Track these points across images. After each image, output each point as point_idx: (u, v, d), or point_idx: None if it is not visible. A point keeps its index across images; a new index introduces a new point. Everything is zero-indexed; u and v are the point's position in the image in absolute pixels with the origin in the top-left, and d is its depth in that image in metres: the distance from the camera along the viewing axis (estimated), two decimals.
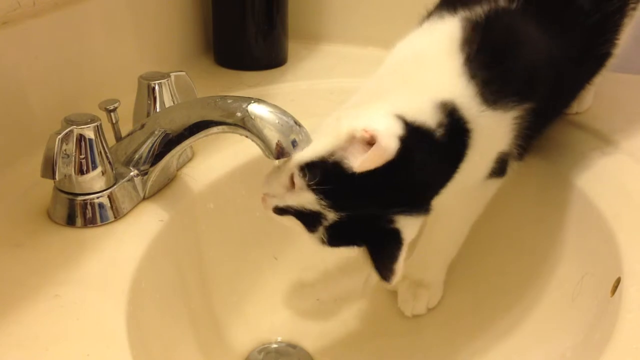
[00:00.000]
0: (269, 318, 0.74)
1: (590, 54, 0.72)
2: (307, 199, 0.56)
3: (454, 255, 0.74)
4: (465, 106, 0.59)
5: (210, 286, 0.70)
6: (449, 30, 0.63)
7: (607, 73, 0.84)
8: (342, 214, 0.55)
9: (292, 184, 0.57)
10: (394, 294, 0.76)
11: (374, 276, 0.79)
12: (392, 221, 0.56)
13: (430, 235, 0.74)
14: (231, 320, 0.72)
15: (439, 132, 0.57)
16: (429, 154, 0.57)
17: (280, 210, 0.58)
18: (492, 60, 0.60)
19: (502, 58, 0.61)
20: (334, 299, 0.78)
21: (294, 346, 0.73)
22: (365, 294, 0.79)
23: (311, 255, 0.80)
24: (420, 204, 0.58)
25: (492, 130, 0.61)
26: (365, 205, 0.56)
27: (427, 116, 0.57)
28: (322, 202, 0.55)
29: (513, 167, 0.68)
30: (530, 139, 0.66)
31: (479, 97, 0.59)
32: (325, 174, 0.55)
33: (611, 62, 0.78)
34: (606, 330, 0.54)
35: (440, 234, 0.73)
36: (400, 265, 0.57)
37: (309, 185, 0.55)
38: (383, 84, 0.64)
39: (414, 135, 0.55)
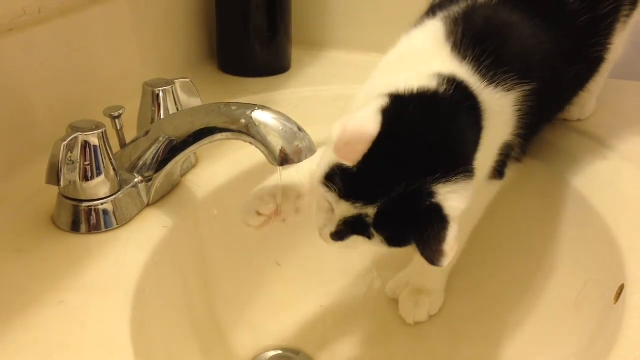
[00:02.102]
0: (272, 324, 0.74)
1: (582, 55, 0.72)
2: (344, 209, 0.53)
3: (455, 261, 0.74)
4: (467, 81, 0.58)
5: (214, 292, 0.70)
6: (431, 30, 0.63)
7: (608, 80, 0.85)
8: (378, 204, 0.52)
9: (330, 204, 0.55)
10: (396, 301, 0.76)
11: (377, 282, 0.80)
12: (430, 195, 0.51)
13: None
14: (234, 326, 0.72)
15: (442, 89, 0.55)
16: (438, 110, 0.55)
17: (338, 235, 0.56)
18: (478, 43, 0.60)
19: (489, 40, 0.60)
20: (336, 306, 0.78)
21: (296, 352, 0.73)
22: (370, 299, 0.79)
23: (314, 261, 0.80)
24: (455, 164, 0.52)
25: (497, 110, 0.60)
26: (394, 183, 0.51)
27: (426, 82, 0.56)
28: (355, 204, 0.52)
29: (512, 169, 0.69)
30: (530, 133, 0.66)
31: (477, 74, 0.59)
32: (342, 177, 0.53)
33: (606, 68, 0.78)
34: (610, 337, 0.54)
35: None
36: (450, 245, 0.51)
37: (338, 194, 0.53)
38: (376, 86, 0.62)
39: (412, 99, 0.54)
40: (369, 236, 0.54)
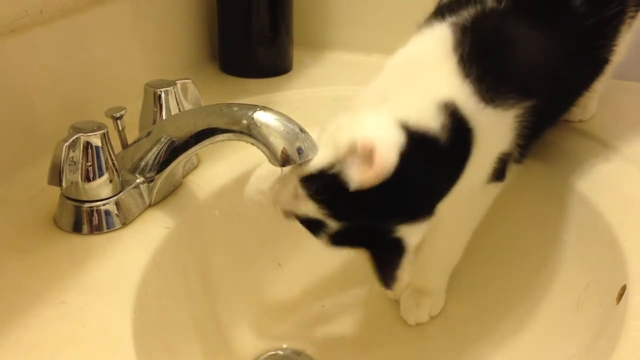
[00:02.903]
0: (274, 325, 0.74)
1: (587, 57, 0.71)
2: (309, 209, 0.56)
3: (456, 262, 0.74)
4: (464, 105, 0.58)
5: (215, 293, 0.70)
6: (439, 35, 0.63)
7: (610, 81, 0.84)
8: (343, 223, 0.56)
9: (296, 194, 0.57)
10: (397, 301, 0.76)
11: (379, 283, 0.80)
12: (394, 230, 0.56)
13: (432, 243, 0.73)
14: (236, 326, 0.72)
15: (444, 137, 0.56)
16: (433, 162, 0.57)
17: (288, 214, 0.59)
18: (484, 59, 0.60)
19: (494, 56, 0.61)
20: (338, 306, 0.78)
21: (298, 353, 0.73)
22: (371, 300, 0.79)
23: (316, 261, 0.80)
24: (423, 212, 0.57)
25: (493, 129, 0.61)
26: (365, 216, 0.56)
27: (431, 120, 0.56)
28: (323, 212, 0.55)
29: (513, 171, 0.69)
30: (530, 140, 0.66)
31: (477, 94, 0.59)
32: (325, 185, 0.55)
33: (609, 70, 0.78)
34: (611, 337, 0.54)
35: (442, 241, 0.73)
36: (403, 272, 0.57)
37: (310, 196, 0.56)
38: (381, 89, 0.63)
39: (416, 143, 0.55)
40: (317, 235, 0.58)
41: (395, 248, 0.56)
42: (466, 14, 0.64)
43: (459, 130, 0.58)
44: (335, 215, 0.56)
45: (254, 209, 0.66)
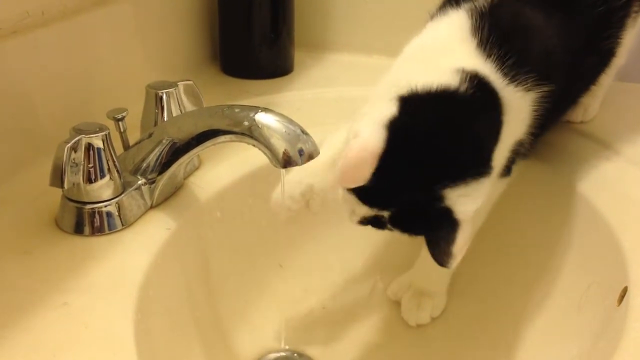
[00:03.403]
0: (275, 326, 0.74)
1: (596, 47, 0.72)
2: (363, 210, 0.56)
3: (458, 263, 0.74)
4: (489, 77, 0.58)
5: (217, 294, 0.70)
6: (456, 21, 0.63)
7: (611, 82, 0.85)
8: (392, 209, 0.55)
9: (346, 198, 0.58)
10: (398, 303, 0.76)
11: (380, 284, 0.80)
12: (440, 199, 0.53)
13: None
14: (238, 327, 0.72)
15: (463, 88, 0.56)
16: (454, 111, 0.56)
17: (362, 224, 0.59)
18: (503, 41, 0.60)
19: (513, 39, 0.61)
20: (340, 307, 0.78)
21: (300, 354, 0.73)
22: (372, 302, 0.79)
23: (317, 263, 0.80)
24: (465, 167, 0.54)
25: (516, 109, 0.60)
26: (403, 191, 0.54)
27: (447, 78, 0.56)
28: (372, 208, 0.56)
29: (517, 168, 0.69)
30: (539, 132, 0.66)
31: (499, 72, 0.59)
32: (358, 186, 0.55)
33: (615, 65, 0.78)
34: (613, 339, 0.54)
35: None
36: (459, 247, 0.54)
37: (358, 201, 0.56)
38: (397, 77, 0.63)
39: (429, 99, 0.55)
40: (388, 229, 0.57)
41: (446, 220, 0.54)
42: (482, 0, 0.64)
43: (487, 94, 0.57)
44: (379, 205, 0.55)
45: (282, 214, 0.66)
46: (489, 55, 0.59)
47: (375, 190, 0.54)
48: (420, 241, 0.72)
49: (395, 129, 0.54)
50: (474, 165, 0.55)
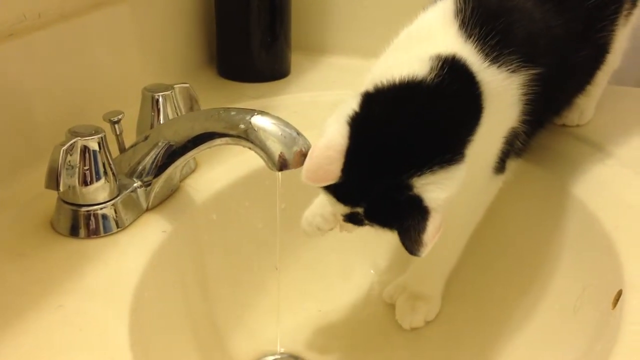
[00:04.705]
0: (271, 329, 0.74)
1: (589, 40, 0.72)
2: (340, 208, 0.57)
3: (452, 266, 0.74)
4: (467, 60, 0.58)
5: (213, 297, 0.70)
6: (442, 8, 0.63)
7: (606, 86, 0.85)
8: (364, 204, 0.55)
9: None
10: (394, 306, 0.76)
11: (376, 287, 0.80)
12: (408, 188, 0.53)
13: None
14: (233, 331, 0.72)
15: (431, 76, 0.55)
16: (417, 100, 0.55)
17: (347, 221, 0.59)
18: (485, 23, 0.60)
19: (495, 21, 0.60)
20: (335, 311, 0.78)
21: (295, 357, 0.73)
22: (368, 305, 0.79)
23: (313, 266, 0.80)
24: (431, 155, 0.53)
25: (501, 92, 0.60)
26: (372, 185, 0.54)
27: (416, 67, 0.56)
28: (346, 205, 0.56)
29: (512, 170, 0.69)
30: (534, 124, 0.66)
31: (480, 53, 0.59)
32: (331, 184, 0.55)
33: (609, 64, 0.79)
34: (608, 342, 0.54)
35: (438, 245, 0.73)
36: (429, 236, 0.52)
37: (335, 199, 0.56)
38: (384, 66, 0.62)
39: (389, 92, 0.55)
40: (368, 224, 0.57)
41: (416, 209, 0.53)
42: None
43: (460, 79, 0.57)
44: (351, 203, 0.55)
45: (313, 234, 0.68)
46: (469, 36, 0.59)
47: (346, 187, 0.54)
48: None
49: (356, 124, 0.54)
50: (440, 153, 0.54)
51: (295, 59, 1.03)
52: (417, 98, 0.55)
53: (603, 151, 0.77)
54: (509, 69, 0.60)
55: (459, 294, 0.76)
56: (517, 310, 0.72)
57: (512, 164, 0.69)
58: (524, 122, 0.65)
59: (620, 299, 0.58)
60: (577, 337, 0.63)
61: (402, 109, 0.55)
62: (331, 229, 0.68)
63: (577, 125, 0.83)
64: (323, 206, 0.67)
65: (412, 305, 0.74)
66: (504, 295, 0.74)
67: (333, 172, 0.53)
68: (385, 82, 0.56)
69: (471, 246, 0.72)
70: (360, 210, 0.56)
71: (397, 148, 0.53)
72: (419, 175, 0.53)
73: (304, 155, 0.55)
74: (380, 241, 0.81)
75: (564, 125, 0.83)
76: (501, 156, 0.66)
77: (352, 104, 0.56)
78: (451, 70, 0.56)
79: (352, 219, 0.57)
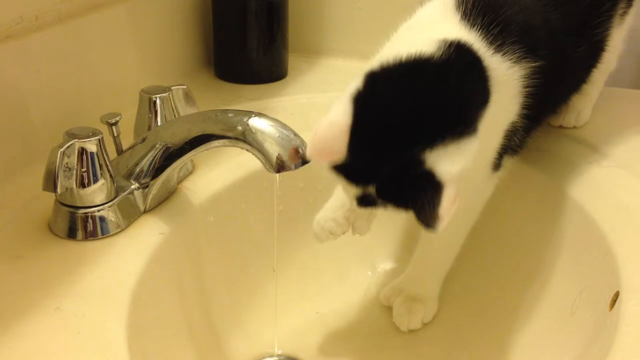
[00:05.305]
0: (268, 331, 0.74)
1: (586, 35, 0.72)
2: (353, 190, 0.55)
3: (449, 268, 0.74)
4: (473, 45, 0.57)
5: (210, 299, 0.70)
6: (442, 1, 0.63)
7: (603, 87, 0.85)
8: (376, 183, 0.54)
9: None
10: (391, 308, 0.76)
11: (373, 289, 0.80)
12: (420, 164, 0.52)
13: (425, 249, 0.74)
14: (230, 333, 0.72)
15: (439, 53, 0.55)
16: (424, 75, 0.55)
17: (361, 205, 0.57)
18: (488, 9, 0.60)
19: (497, 11, 0.60)
20: (332, 312, 0.78)
21: (293, 359, 0.73)
22: (365, 307, 0.79)
23: (310, 267, 0.80)
24: (440, 128, 0.52)
25: (505, 80, 0.59)
26: (381, 162, 0.53)
27: (424, 48, 0.55)
28: (358, 186, 0.54)
29: (509, 169, 0.69)
30: (532, 120, 0.66)
31: (484, 41, 0.58)
32: (340, 165, 0.54)
33: (606, 63, 0.79)
34: (605, 344, 0.54)
35: (435, 246, 0.73)
36: (445, 209, 0.51)
37: (346, 181, 0.55)
38: (382, 57, 0.61)
39: (395, 70, 0.54)
40: (381, 206, 0.55)
41: (429, 183, 0.51)
42: None
43: (468, 57, 0.57)
44: (361, 182, 0.54)
45: (326, 238, 0.67)
46: (472, 25, 0.59)
47: (355, 166, 0.53)
48: (412, 246, 0.72)
49: (361, 101, 0.53)
50: (451, 125, 0.53)
51: (293, 61, 1.03)
52: (426, 73, 0.55)
53: (600, 153, 0.77)
54: (511, 59, 0.60)
55: (456, 296, 0.76)
56: (514, 312, 0.72)
57: (507, 162, 0.69)
58: (522, 116, 0.65)
59: (617, 300, 0.58)
60: (574, 339, 0.63)
61: (411, 83, 0.54)
62: (343, 233, 0.68)
63: (574, 127, 0.83)
64: (335, 210, 0.66)
65: (409, 307, 0.74)
66: (502, 297, 0.74)
67: (338, 148, 0.52)
68: (391, 61, 0.55)
69: (468, 248, 0.72)
70: (372, 190, 0.54)
71: (406, 123, 0.52)
72: (431, 149, 0.52)
73: (299, 153, 0.55)
74: (378, 243, 0.81)
75: (561, 127, 0.83)
76: (501, 151, 0.66)
77: (356, 83, 0.55)
78: (459, 51, 0.56)
79: (366, 201, 0.55)
